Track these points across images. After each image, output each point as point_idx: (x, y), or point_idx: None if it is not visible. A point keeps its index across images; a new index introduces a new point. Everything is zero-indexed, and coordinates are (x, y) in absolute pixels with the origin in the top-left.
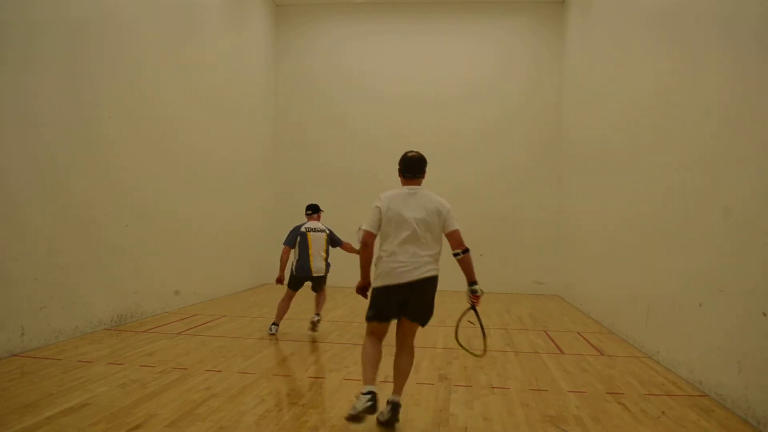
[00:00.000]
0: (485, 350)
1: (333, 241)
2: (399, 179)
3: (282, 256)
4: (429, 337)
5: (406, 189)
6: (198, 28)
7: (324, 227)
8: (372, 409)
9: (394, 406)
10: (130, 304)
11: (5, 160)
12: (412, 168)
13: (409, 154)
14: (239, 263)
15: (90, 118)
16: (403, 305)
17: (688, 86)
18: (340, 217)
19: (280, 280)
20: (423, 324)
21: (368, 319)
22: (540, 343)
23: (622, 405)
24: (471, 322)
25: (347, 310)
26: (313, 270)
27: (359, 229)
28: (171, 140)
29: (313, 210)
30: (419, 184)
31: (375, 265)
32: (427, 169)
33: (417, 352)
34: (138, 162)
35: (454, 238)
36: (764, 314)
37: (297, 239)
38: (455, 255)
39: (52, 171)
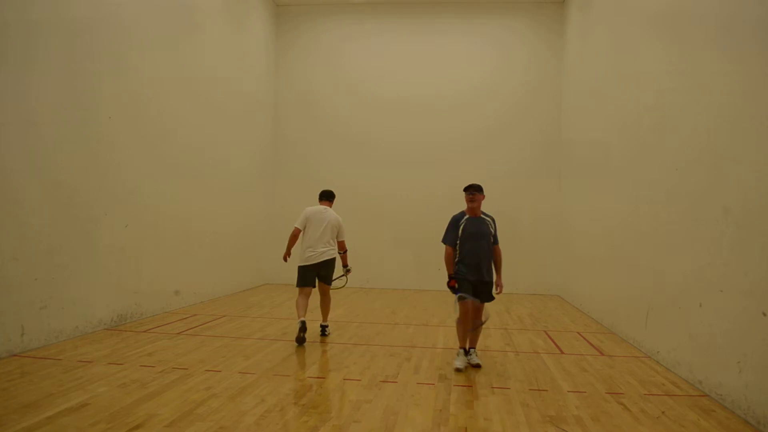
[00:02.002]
0: (344, 285)
1: None
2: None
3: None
4: (429, 337)
5: (321, 207)
6: (198, 28)
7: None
8: (304, 329)
9: (324, 327)
10: (130, 304)
11: (6, 160)
12: (326, 196)
13: (325, 189)
14: (239, 263)
15: (90, 118)
16: (317, 275)
17: (688, 86)
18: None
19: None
20: (328, 283)
21: (300, 285)
22: (540, 343)
23: (622, 405)
24: (343, 278)
25: (347, 310)
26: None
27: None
28: (171, 140)
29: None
30: (327, 205)
31: (300, 252)
32: (424, 170)
33: (417, 351)
34: (138, 162)
35: (341, 244)
36: (764, 314)
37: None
38: (340, 252)
39: (53, 171)
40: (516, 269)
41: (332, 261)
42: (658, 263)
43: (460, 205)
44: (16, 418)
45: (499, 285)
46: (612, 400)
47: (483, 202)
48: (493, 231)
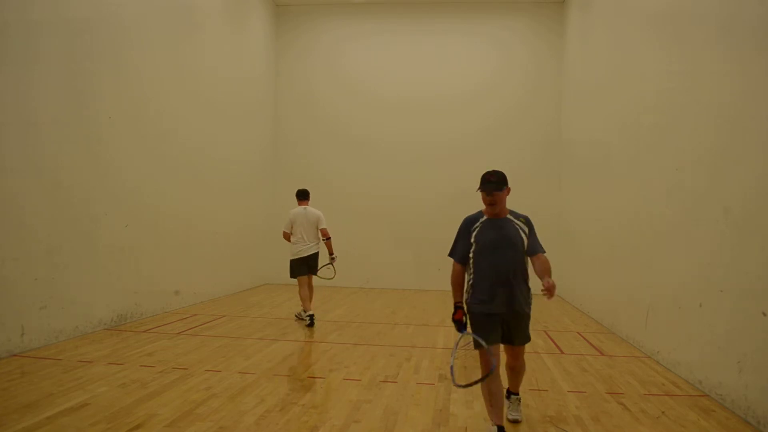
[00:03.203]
0: (333, 277)
1: None
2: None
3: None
4: (429, 337)
5: (301, 207)
6: (198, 28)
7: None
8: (312, 323)
9: (311, 316)
10: (130, 304)
11: (5, 160)
12: (303, 195)
13: (300, 189)
14: (239, 263)
15: (90, 118)
16: (307, 266)
17: (688, 86)
18: (338, 217)
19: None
20: (314, 273)
21: (294, 276)
22: (540, 343)
23: (622, 405)
24: (330, 268)
25: (347, 310)
26: None
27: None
28: (171, 140)
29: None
30: (305, 203)
31: (291, 248)
32: (424, 170)
33: (417, 351)
34: (138, 162)
35: (323, 231)
36: (764, 314)
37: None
38: (324, 239)
39: (52, 171)
40: None
41: (317, 255)
42: (658, 263)
43: (461, 205)
44: (16, 418)
45: (548, 289)
46: (612, 400)
47: (508, 198)
48: (525, 236)
